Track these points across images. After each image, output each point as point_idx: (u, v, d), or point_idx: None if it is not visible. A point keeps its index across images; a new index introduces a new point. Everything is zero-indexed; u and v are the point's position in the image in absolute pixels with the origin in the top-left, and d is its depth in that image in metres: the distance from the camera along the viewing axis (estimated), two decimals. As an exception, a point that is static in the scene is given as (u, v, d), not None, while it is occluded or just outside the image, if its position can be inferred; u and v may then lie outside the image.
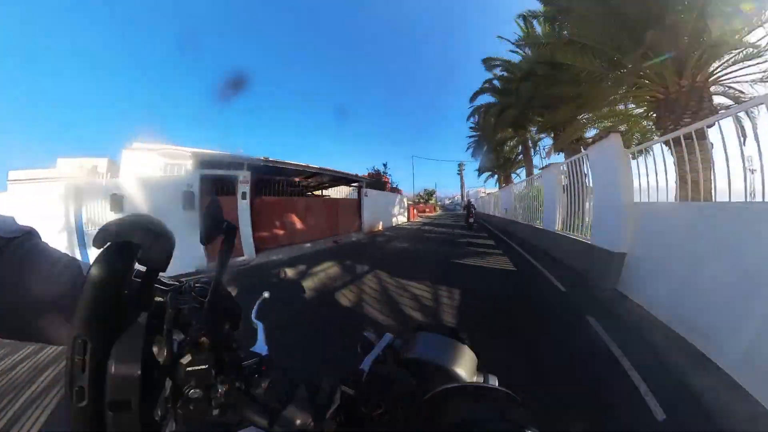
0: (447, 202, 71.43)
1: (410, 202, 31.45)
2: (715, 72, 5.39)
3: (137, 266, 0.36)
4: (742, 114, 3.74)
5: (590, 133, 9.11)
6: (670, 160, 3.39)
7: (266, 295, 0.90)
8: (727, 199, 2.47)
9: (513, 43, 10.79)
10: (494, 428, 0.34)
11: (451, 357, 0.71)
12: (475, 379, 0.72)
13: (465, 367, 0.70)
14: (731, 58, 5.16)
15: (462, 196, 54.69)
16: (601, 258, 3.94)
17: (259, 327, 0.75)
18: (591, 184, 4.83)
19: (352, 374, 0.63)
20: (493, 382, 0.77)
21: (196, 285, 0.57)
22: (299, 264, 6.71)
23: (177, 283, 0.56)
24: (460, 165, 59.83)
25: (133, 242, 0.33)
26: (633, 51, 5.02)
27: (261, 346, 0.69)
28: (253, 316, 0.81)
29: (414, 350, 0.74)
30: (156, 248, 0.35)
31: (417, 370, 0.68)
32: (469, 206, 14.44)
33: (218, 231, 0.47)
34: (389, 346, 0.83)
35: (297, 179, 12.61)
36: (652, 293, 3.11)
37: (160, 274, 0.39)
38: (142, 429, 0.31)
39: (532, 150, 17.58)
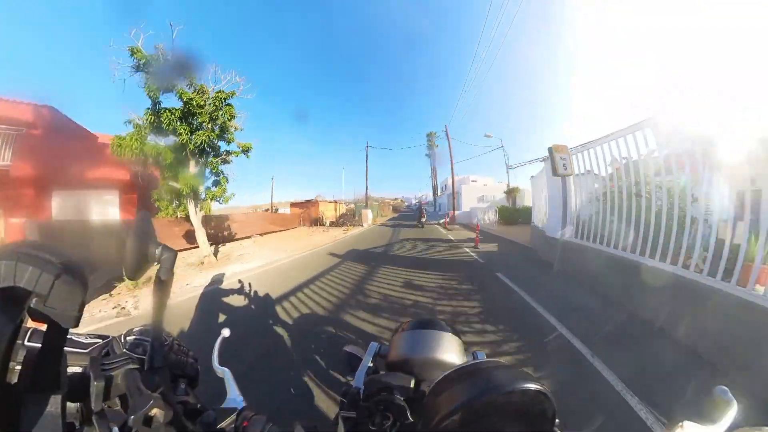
0: (413, 202, 62.93)
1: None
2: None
3: (31, 324, 0.26)
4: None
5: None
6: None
7: (226, 333, 0.75)
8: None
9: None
10: (500, 394, 0.36)
11: (439, 346, 0.73)
12: (466, 359, 0.74)
13: (454, 351, 0.73)
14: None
15: (435, 191, 36.71)
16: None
17: (226, 375, 0.62)
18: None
19: (347, 396, 0.59)
20: (482, 356, 0.81)
21: (128, 338, 0.45)
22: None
23: (99, 340, 0.44)
24: (429, 137, 34.82)
25: (19, 288, 0.22)
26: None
27: (234, 398, 0.57)
28: (215, 363, 0.67)
29: (402, 351, 0.74)
30: (59, 294, 0.24)
31: (411, 369, 0.67)
32: (420, 209, 19.19)
33: (151, 258, 0.37)
34: (377, 354, 0.81)
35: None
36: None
37: (71, 331, 0.29)
38: None
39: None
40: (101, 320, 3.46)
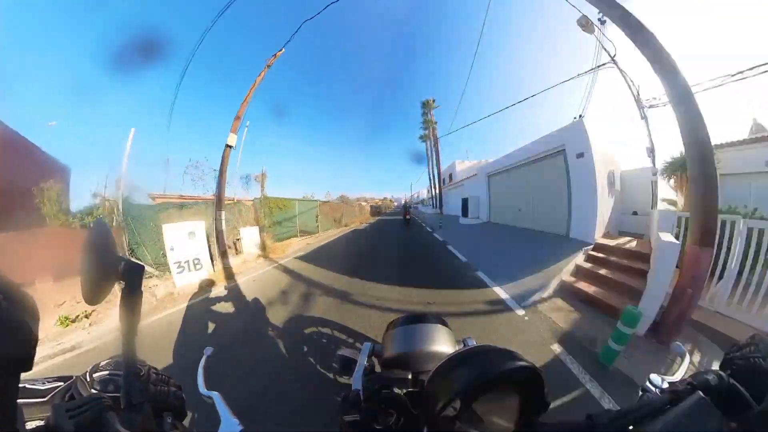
0: (403, 202, 64.63)
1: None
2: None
3: None
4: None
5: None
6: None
7: (209, 353, 0.70)
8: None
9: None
10: (494, 375, 0.38)
11: (431, 339, 0.75)
12: (457, 347, 0.77)
13: (445, 341, 0.75)
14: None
15: (434, 182, 24.89)
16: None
17: (216, 399, 0.58)
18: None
19: (347, 399, 0.59)
20: (472, 343, 0.84)
21: (96, 375, 0.41)
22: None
23: (60, 383, 0.40)
24: (425, 107, 24.91)
25: None
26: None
27: (230, 424, 0.53)
28: (201, 388, 0.62)
29: (396, 347, 0.75)
30: (6, 332, 0.20)
31: (407, 364, 0.69)
32: (406, 206, 17.39)
33: (113, 276, 0.33)
34: (371, 353, 0.82)
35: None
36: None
37: (23, 376, 0.24)
38: None
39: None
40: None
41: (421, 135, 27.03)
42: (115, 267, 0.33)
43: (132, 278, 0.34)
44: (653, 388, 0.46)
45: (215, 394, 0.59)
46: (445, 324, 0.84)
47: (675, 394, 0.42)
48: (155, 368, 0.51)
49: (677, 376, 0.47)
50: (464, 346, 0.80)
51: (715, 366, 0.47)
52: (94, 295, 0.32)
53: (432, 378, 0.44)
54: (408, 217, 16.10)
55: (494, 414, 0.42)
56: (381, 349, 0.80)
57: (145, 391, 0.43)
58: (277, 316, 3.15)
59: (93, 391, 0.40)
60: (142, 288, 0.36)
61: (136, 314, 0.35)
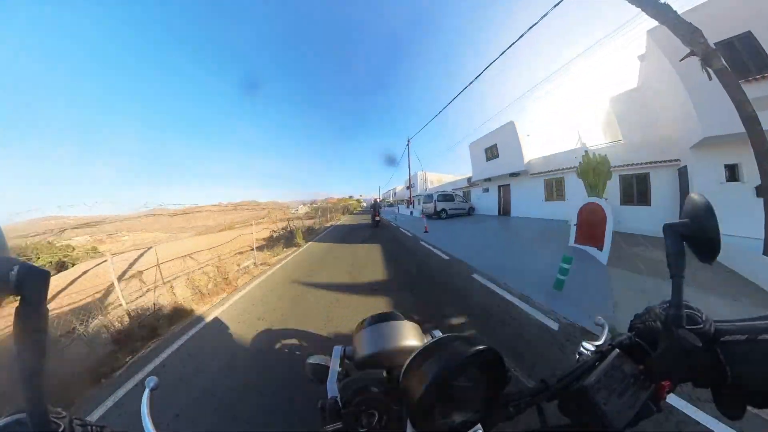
0: (372, 201, 62.08)
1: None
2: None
3: None
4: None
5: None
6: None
7: (152, 384, 0.59)
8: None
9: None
10: (461, 360, 0.42)
11: (399, 336, 0.77)
12: (425, 341, 0.81)
13: (413, 336, 0.78)
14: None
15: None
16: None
17: None
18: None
19: (326, 408, 0.58)
20: (438, 334, 0.89)
21: None
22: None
23: None
24: None
25: None
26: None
27: None
28: (148, 429, 0.51)
29: (366, 348, 0.76)
30: None
31: (380, 363, 0.70)
32: (375, 205, 15.75)
33: (2, 286, 0.25)
34: (343, 357, 0.81)
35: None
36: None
37: None
38: None
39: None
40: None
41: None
42: (5, 273, 0.24)
43: (32, 291, 0.25)
44: (586, 351, 0.57)
45: None
46: (411, 319, 0.87)
47: (601, 353, 0.53)
48: (79, 418, 0.38)
49: (601, 341, 0.59)
50: (432, 338, 0.83)
51: (625, 330, 0.60)
52: None
53: (406, 372, 0.46)
54: (378, 218, 14.04)
55: (466, 395, 0.46)
56: (352, 352, 0.80)
57: None
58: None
59: None
60: (47, 305, 0.26)
61: (40, 343, 0.26)
